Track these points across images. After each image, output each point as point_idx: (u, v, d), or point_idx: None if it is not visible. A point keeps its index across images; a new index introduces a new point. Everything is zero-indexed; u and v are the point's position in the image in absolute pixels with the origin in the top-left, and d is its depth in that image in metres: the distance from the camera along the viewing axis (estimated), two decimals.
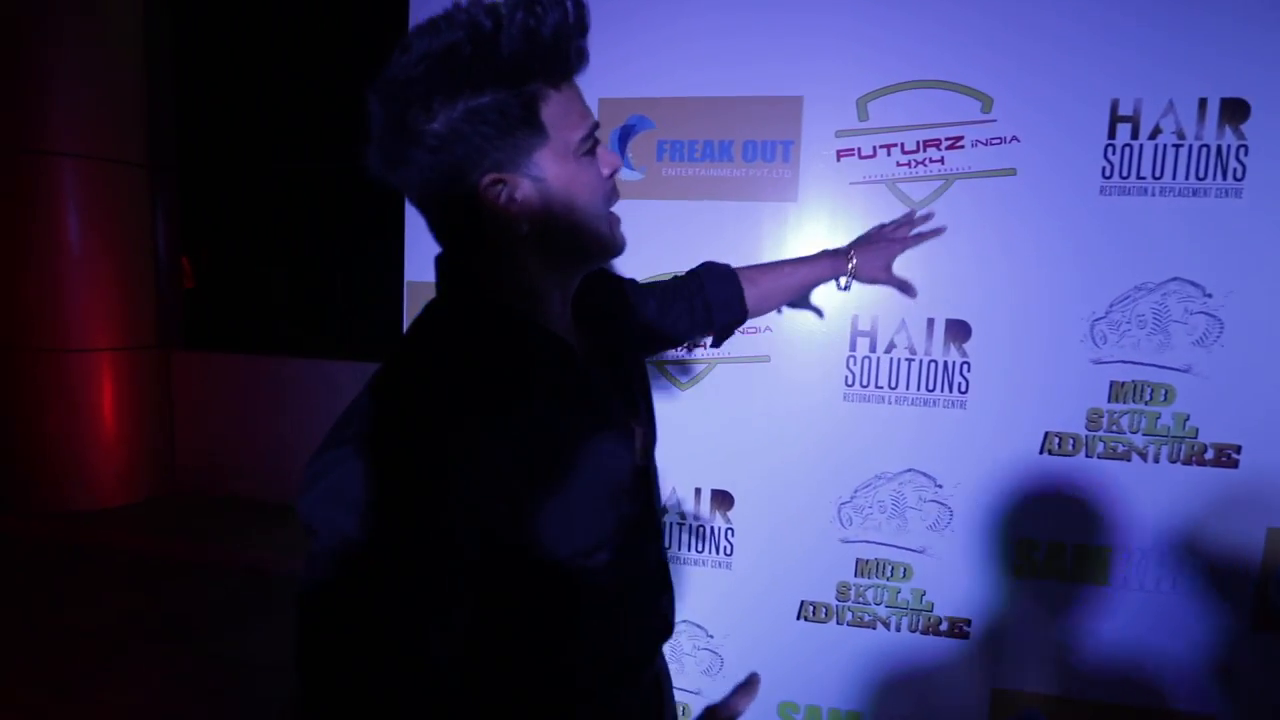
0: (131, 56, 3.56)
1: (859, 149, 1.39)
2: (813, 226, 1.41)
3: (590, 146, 0.61)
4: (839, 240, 1.40)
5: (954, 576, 1.41)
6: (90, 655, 2.41)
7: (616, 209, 0.68)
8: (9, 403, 3.48)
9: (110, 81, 3.46)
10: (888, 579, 1.43)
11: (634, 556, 0.69)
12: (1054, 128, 1.31)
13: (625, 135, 1.51)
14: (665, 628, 0.76)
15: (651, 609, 0.74)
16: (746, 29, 1.42)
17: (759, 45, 1.42)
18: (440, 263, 0.65)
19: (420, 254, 1.65)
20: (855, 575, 1.44)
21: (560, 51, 0.55)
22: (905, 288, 1.28)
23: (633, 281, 0.99)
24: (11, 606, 2.71)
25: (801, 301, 1.39)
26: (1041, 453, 1.36)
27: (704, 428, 1.50)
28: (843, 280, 1.26)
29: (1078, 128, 1.30)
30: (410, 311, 1.67)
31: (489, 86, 0.54)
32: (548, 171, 0.58)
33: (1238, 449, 1.30)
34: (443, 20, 0.53)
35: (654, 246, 1.50)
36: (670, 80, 1.47)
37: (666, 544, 0.97)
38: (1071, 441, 1.35)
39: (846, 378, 1.42)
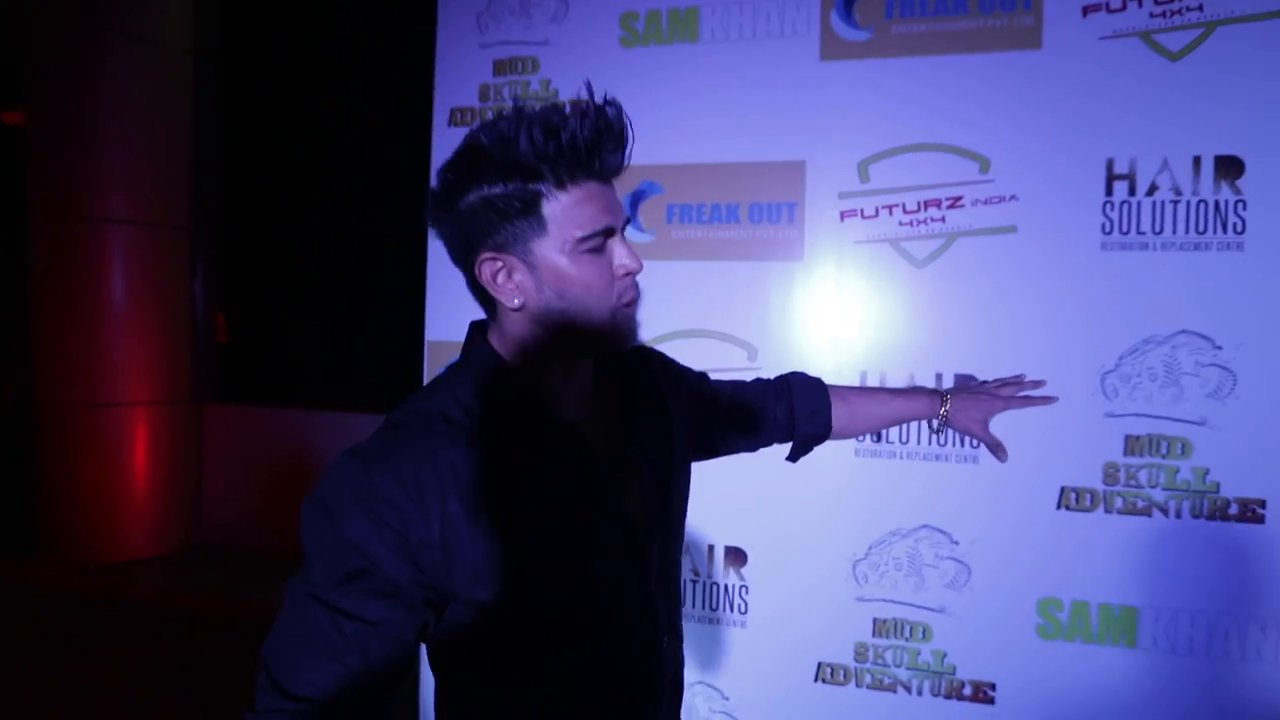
0: (180, 128, 3.82)
1: (861, 209, 1.44)
2: (820, 285, 1.45)
3: (595, 245, 0.64)
4: (846, 298, 1.43)
5: (976, 637, 1.37)
6: (114, 707, 2.42)
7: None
8: (49, 456, 3.61)
9: (159, 152, 3.71)
10: (907, 639, 1.40)
11: (614, 659, 0.69)
12: (1051, 186, 1.35)
13: (636, 200, 1.58)
14: None
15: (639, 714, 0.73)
16: (751, 99, 1.50)
17: (763, 114, 1.49)
18: (471, 327, 0.72)
19: (440, 314, 1.72)
20: (873, 635, 1.41)
21: (575, 160, 0.62)
22: (997, 448, 1.20)
23: (702, 375, 0.98)
24: (39, 657, 2.74)
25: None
26: (1059, 508, 1.34)
27: (716, 484, 1.50)
28: (934, 423, 1.17)
29: (1075, 186, 1.34)
30: (430, 368, 1.74)
31: (501, 179, 0.62)
32: (542, 260, 0.64)
33: (1263, 504, 1.26)
34: (486, 121, 0.64)
35: (665, 306, 1.54)
36: (679, 148, 1.55)
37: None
38: (1089, 496, 1.33)
39: None
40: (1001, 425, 1.35)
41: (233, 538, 3.98)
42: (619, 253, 0.66)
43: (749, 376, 1.43)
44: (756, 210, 1.50)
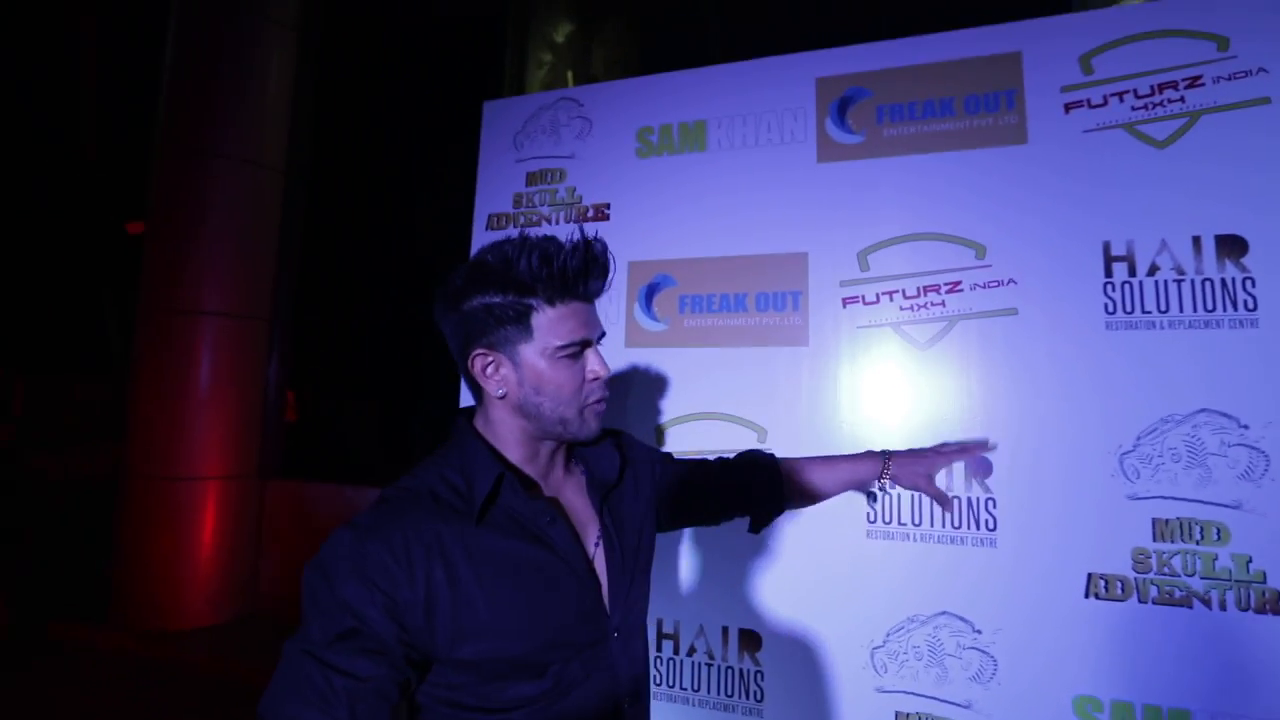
0: (269, 233, 4.33)
1: (862, 296, 1.51)
2: (825, 368, 1.51)
3: (573, 353, 0.76)
4: (850, 381, 1.48)
5: None
6: None
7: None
8: (128, 525, 3.91)
9: (250, 254, 4.20)
10: None
11: (571, 708, 0.72)
12: (1050, 269, 1.38)
13: (651, 292, 1.71)
14: None
15: None
16: (755, 199, 1.63)
17: (766, 211, 1.62)
18: (459, 414, 0.84)
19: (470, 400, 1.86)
20: None
21: (564, 283, 0.74)
22: (943, 500, 1.21)
23: (666, 455, 1.07)
24: None
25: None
26: (1087, 596, 1.28)
27: (728, 565, 1.52)
28: (879, 482, 1.20)
29: (1073, 268, 1.37)
30: None
31: (501, 291, 0.74)
32: (525, 361, 0.76)
33: None
34: (500, 243, 0.76)
35: (679, 391, 1.63)
36: (690, 244, 1.68)
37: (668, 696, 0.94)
38: (1120, 585, 1.27)
39: (868, 514, 1.43)
40: (1017, 510, 1.33)
41: (285, 610, 4.12)
42: (591, 361, 0.78)
43: None
44: (763, 299, 1.59)
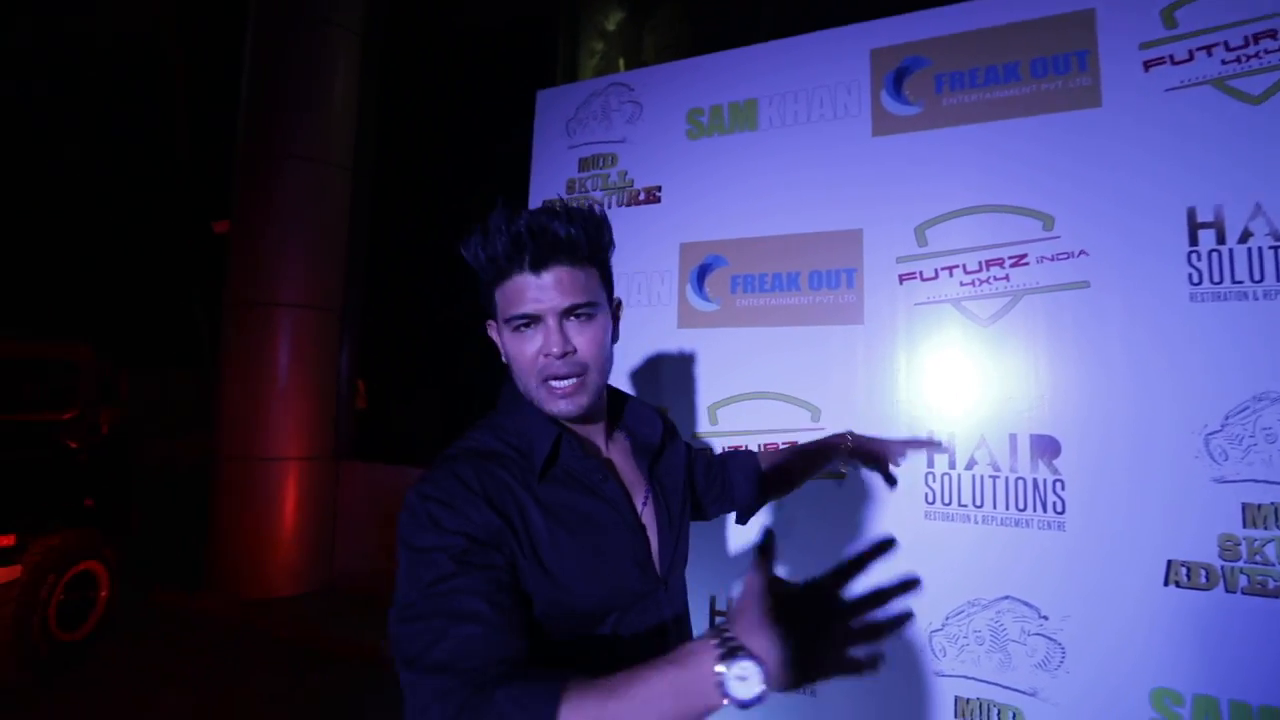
0: (338, 227, 4.56)
1: (920, 272, 1.46)
2: (881, 346, 1.47)
3: (519, 325, 0.77)
4: (907, 359, 1.44)
5: None
6: None
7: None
8: (220, 501, 4.24)
9: (322, 248, 4.44)
10: None
11: (627, 652, 0.74)
12: (1126, 240, 1.30)
13: (703, 273, 1.71)
14: None
15: None
16: (808, 176, 1.61)
17: (820, 189, 1.59)
18: (506, 383, 0.87)
19: None
20: (956, 715, 1.32)
21: (500, 264, 0.76)
22: (889, 480, 1.16)
23: (690, 446, 1.07)
24: (188, 682, 3.15)
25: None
26: (1166, 584, 1.21)
27: (780, 544, 1.52)
28: (843, 461, 1.17)
29: (1152, 237, 1.29)
30: None
31: (481, 272, 0.79)
32: (498, 334, 0.81)
33: None
34: (495, 216, 0.77)
35: (731, 371, 1.63)
36: (742, 224, 1.67)
37: None
38: (1204, 573, 1.20)
39: (927, 495, 1.39)
40: (1088, 492, 1.27)
41: (357, 583, 4.37)
42: (540, 337, 0.76)
43: (813, 437, 1.47)
44: (816, 277, 1.56)
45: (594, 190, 1.90)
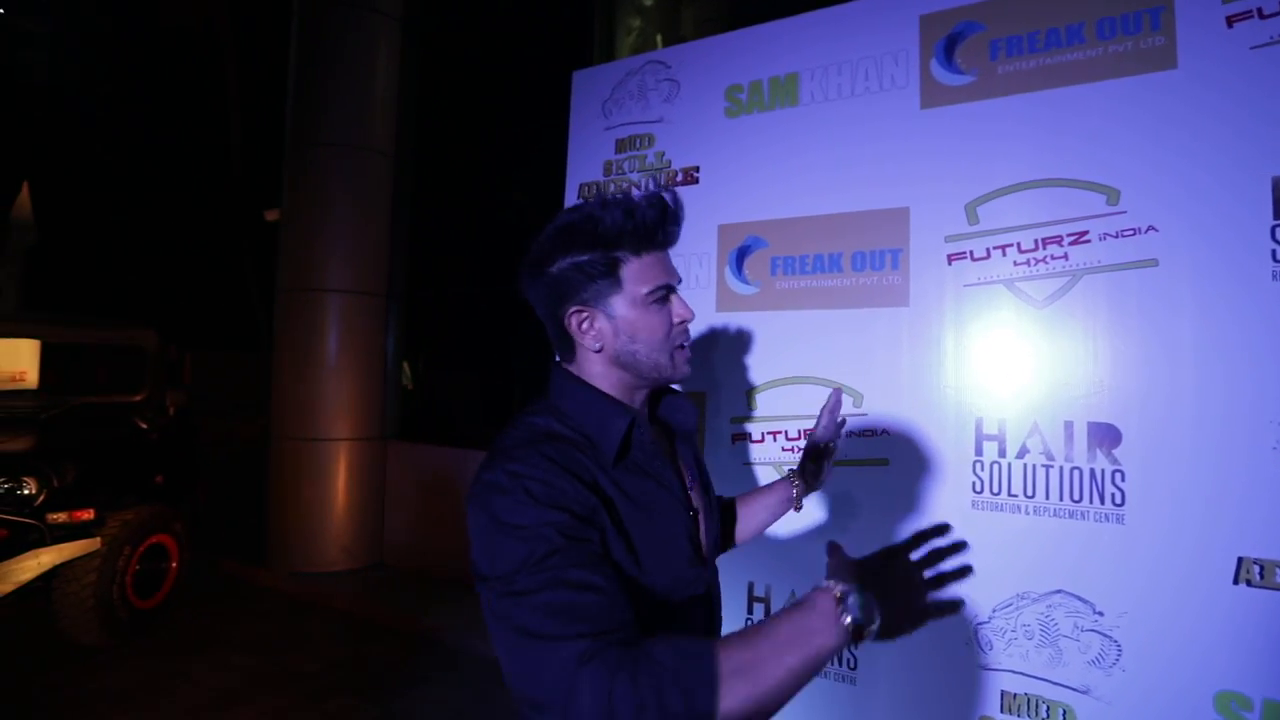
0: (381, 214, 4.66)
1: (970, 252, 1.39)
2: (927, 329, 1.42)
3: (659, 298, 0.80)
4: (955, 342, 1.39)
5: None
6: (303, 696, 2.87)
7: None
8: (276, 480, 4.45)
9: (366, 234, 4.55)
10: None
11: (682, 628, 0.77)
12: (1200, 214, 1.21)
13: (742, 255, 1.67)
14: None
15: None
16: (851, 153, 1.55)
17: (864, 166, 1.53)
18: (552, 364, 0.87)
19: None
20: (1001, 710, 1.28)
21: (646, 234, 0.78)
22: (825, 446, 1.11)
23: None
24: (252, 648, 3.34)
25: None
26: (1236, 582, 1.14)
27: (821, 534, 1.49)
28: (797, 500, 1.11)
29: (1231, 211, 1.19)
30: None
31: (590, 248, 0.78)
32: (619, 312, 0.79)
33: None
34: (579, 205, 0.80)
35: (771, 355, 1.60)
36: (782, 204, 1.62)
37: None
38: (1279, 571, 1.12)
39: (974, 484, 1.34)
40: (1152, 484, 1.20)
41: (405, 559, 4.54)
42: (676, 305, 0.82)
43: (855, 423, 1.43)
44: (860, 258, 1.51)
45: (631, 172, 1.87)
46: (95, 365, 3.95)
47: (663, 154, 1.83)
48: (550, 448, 0.72)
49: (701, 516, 0.86)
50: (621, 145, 1.90)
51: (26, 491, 3.09)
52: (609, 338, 0.79)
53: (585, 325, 0.79)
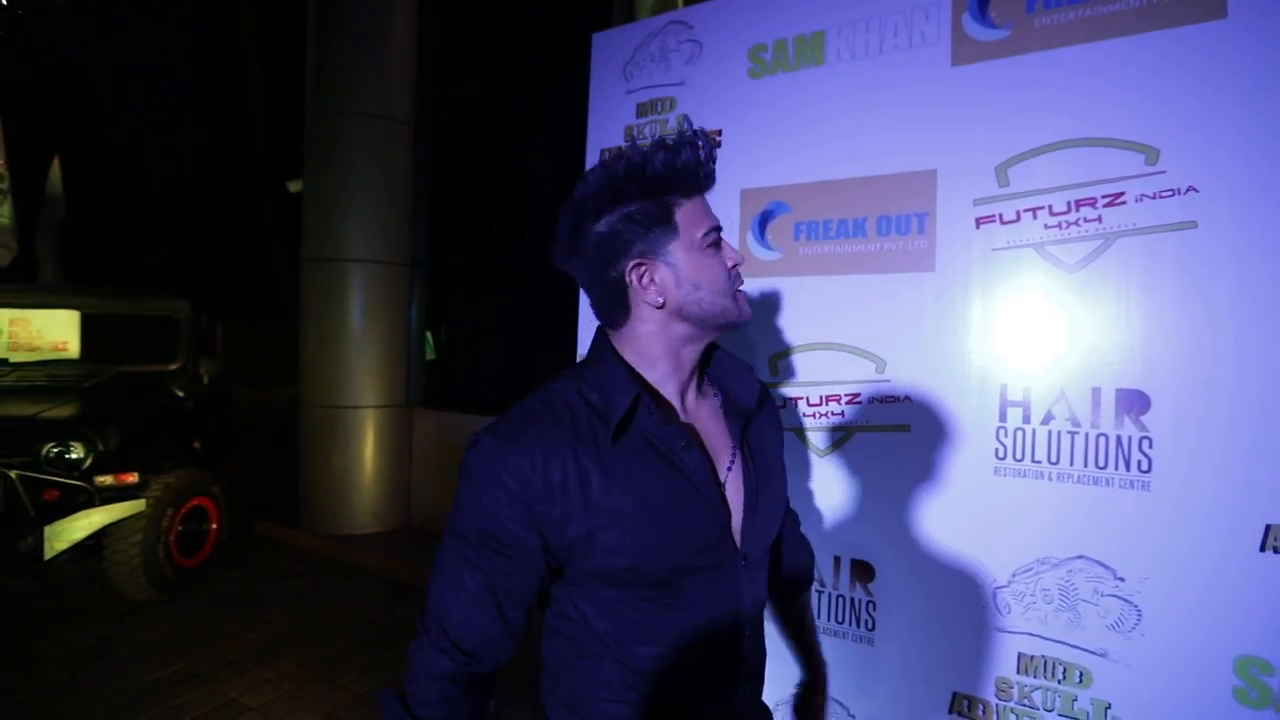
0: (403, 183, 4.68)
1: (1000, 215, 1.36)
2: (954, 295, 1.40)
3: (714, 240, 0.78)
4: (982, 308, 1.37)
5: (1150, 690, 1.20)
6: (338, 650, 3.02)
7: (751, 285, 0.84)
8: (307, 446, 4.59)
9: (388, 203, 4.58)
10: (1060, 682, 1.27)
11: (690, 626, 0.75)
12: (1245, 173, 1.16)
13: (764, 220, 1.66)
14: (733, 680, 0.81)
15: (709, 696, 0.78)
16: (879, 114, 1.51)
17: (891, 127, 1.49)
18: (597, 332, 0.84)
19: (590, 330, 1.94)
20: (1018, 672, 1.30)
21: (690, 174, 0.76)
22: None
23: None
24: (288, 605, 3.50)
25: None
26: (1264, 550, 1.13)
27: (842, 496, 1.51)
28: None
29: (1275, 171, 1.14)
30: None
31: (638, 198, 0.75)
32: (678, 259, 0.76)
33: None
34: (609, 158, 0.77)
35: (794, 321, 1.59)
36: (806, 168, 1.59)
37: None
38: None
39: (997, 450, 1.34)
40: (1179, 451, 1.19)
41: (431, 523, 4.68)
42: (727, 248, 0.80)
43: (878, 389, 1.43)
44: (885, 223, 1.49)
45: (652, 137, 1.85)
46: (132, 335, 4.09)
47: (685, 118, 1.80)
48: (537, 429, 0.72)
49: (737, 503, 0.79)
50: (643, 109, 1.88)
51: (75, 455, 3.24)
52: (671, 288, 0.75)
53: (646, 279, 0.75)
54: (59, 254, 5.45)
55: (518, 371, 4.84)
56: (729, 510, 0.79)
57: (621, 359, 0.78)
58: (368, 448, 4.57)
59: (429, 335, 5.16)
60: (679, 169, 0.74)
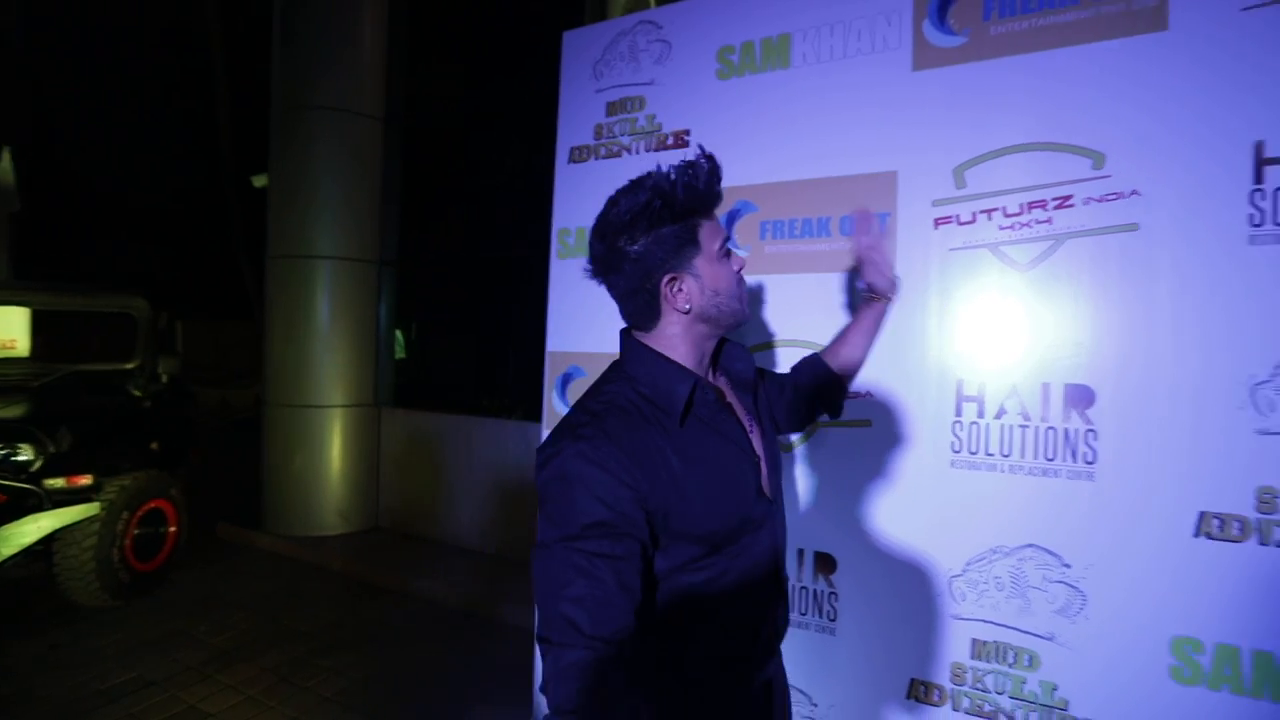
0: (372, 180, 4.61)
1: (957, 216, 1.41)
2: (911, 293, 1.44)
3: (726, 251, 0.91)
4: (940, 306, 1.41)
5: (1093, 672, 1.25)
6: (302, 653, 2.96)
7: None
8: (271, 447, 4.49)
9: (357, 200, 4.50)
10: (1010, 666, 1.31)
11: (751, 564, 0.89)
12: (1180, 178, 1.22)
13: (731, 219, 1.68)
14: (774, 635, 0.96)
15: (763, 616, 0.92)
16: (842, 116, 1.54)
17: (854, 130, 1.52)
18: (623, 334, 0.95)
19: (559, 330, 1.93)
20: (972, 657, 1.35)
21: (710, 196, 0.89)
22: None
23: (771, 372, 1.22)
24: (251, 608, 3.42)
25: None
26: (1197, 535, 1.19)
27: (805, 490, 1.54)
28: (879, 304, 1.28)
29: (1212, 175, 1.20)
30: (550, 374, 1.96)
31: (668, 223, 0.86)
32: (702, 271, 0.89)
33: None
34: (638, 185, 0.87)
35: (758, 319, 1.62)
36: (772, 168, 1.62)
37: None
38: (1238, 525, 1.17)
39: (953, 444, 1.38)
40: (1122, 443, 1.24)
41: (399, 523, 4.62)
42: (734, 255, 0.93)
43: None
44: (848, 222, 1.52)
45: (621, 135, 1.86)
46: (87, 333, 3.95)
47: (653, 117, 1.81)
48: (616, 423, 0.82)
49: (764, 460, 0.94)
50: (612, 108, 1.89)
51: (23, 458, 3.11)
52: (696, 296, 0.88)
53: (677, 289, 0.88)
54: (9, 248, 5.23)
55: (488, 370, 4.81)
56: (761, 465, 0.94)
57: (663, 356, 0.89)
58: (334, 448, 4.49)
59: (399, 334, 5.09)
60: (700, 195, 0.87)
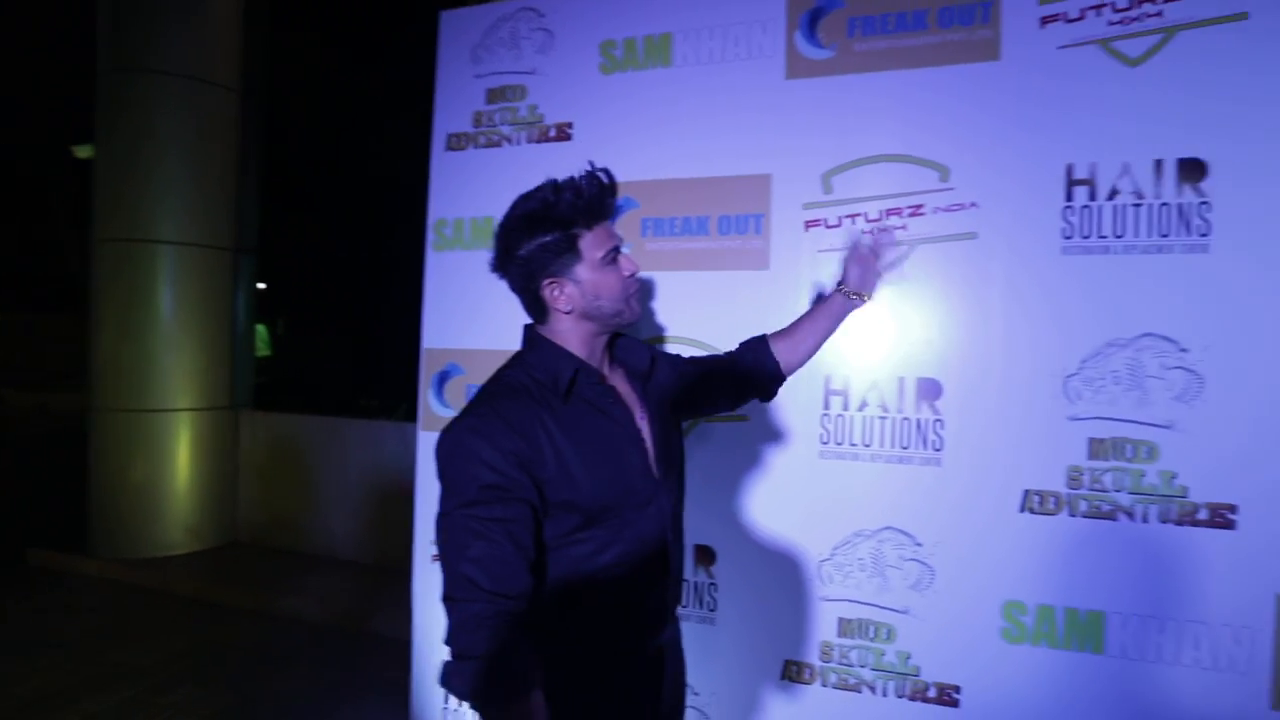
0: (227, 158, 4.13)
1: (825, 219, 1.49)
2: (784, 292, 1.50)
3: (612, 259, 0.95)
4: (808, 303, 1.48)
5: (940, 640, 1.38)
6: (137, 693, 2.60)
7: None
8: (101, 457, 3.90)
9: (208, 180, 4.02)
10: (871, 640, 1.41)
11: (637, 539, 0.94)
12: (1011, 193, 1.37)
13: (614, 214, 1.67)
14: (663, 608, 1.01)
15: (650, 589, 0.98)
16: (720, 118, 1.58)
17: (731, 131, 1.57)
18: (526, 328, 1.01)
19: (435, 326, 1.83)
20: (838, 635, 1.44)
21: (593, 209, 0.93)
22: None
23: (681, 357, 1.23)
24: (71, 646, 2.96)
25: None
26: (1022, 511, 1.34)
27: (687, 485, 1.56)
28: (851, 302, 1.24)
29: (1035, 192, 1.36)
30: (426, 372, 1.85)
31: (551, 230, 0.91)
32: (582, 277, 0.93)
33: (1233, 509, 1.24)
34: (531, 193, 0.93)
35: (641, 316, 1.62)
36: (654, 165, 1.63)
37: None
38: (1053, 500, 1.33)
39: (821, 435, 1.46)
40: (964, 431, 1.37)
41: (263, 536, 4.20)
42: (624, 262, 0.97)
43: None
44: (725, 222, 1.56)
45: (502, 125, 1.79)
46: None
47: (535, 107, 1.76)
48: (505, 401, 0.90)
49: (650, 443, 1.00)
50: (493, 95, 1.81)
51: None
52: (577, 300, 0.94)
53: (557, 293, 0.94)
54: None
55: (367, 368, 4.50)
56: (648, 449, 0.99)
57: (554, 344, 0.96)
58: (180, 456, 3.98)
59: (262, 329, 4.62)
60: (583, 207, 0.92)
